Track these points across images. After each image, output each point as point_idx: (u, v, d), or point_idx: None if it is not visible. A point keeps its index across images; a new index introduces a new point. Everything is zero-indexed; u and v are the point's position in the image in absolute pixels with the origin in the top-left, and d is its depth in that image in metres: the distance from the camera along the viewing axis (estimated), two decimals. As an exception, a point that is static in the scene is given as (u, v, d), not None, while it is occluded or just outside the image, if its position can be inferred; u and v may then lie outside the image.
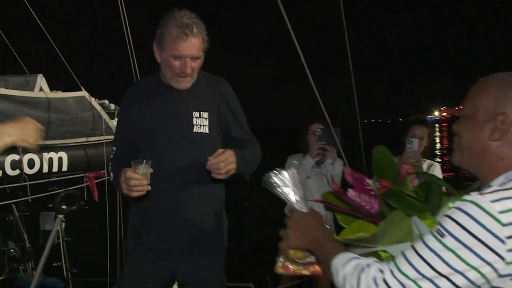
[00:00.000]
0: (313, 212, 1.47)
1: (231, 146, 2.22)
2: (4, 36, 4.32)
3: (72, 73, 3.97)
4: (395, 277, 1.12)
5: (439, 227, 1.10)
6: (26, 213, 4.68)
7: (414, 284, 1.09)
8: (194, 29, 2.17)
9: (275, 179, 1.49)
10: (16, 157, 3.34)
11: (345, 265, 1.23)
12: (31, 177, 3.53)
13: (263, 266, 3.08)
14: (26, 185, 3.65)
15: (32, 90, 3.79)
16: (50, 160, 3.55)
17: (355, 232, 1.46)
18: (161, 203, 2.27)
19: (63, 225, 3.98)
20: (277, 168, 1.52)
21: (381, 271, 1.14)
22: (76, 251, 4.68)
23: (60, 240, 4.27)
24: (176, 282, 2.53)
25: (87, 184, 3.91)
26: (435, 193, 1.43)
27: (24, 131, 1.87)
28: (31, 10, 4.01)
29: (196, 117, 2.31)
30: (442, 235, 1.09)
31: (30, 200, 3.87)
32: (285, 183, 1.49)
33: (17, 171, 3.42)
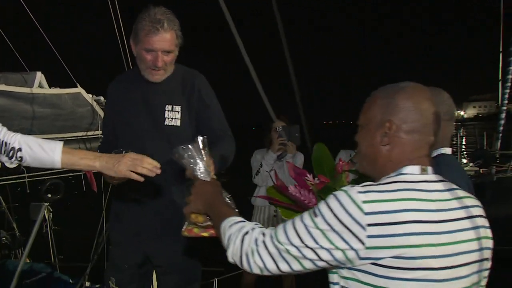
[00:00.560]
0: (213, 181, 1.61)
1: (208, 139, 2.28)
2: (4, 35, 4.33)
3: (68, 71, 3.99)
4: (272, 240, 1.21)
5: (316, 208, 1.19)
6: (17, 204, 4.73)
7: (284, 248, 1.18)
8: (165, 24, 2.21)
9: (183, 153, 1.61)
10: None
11: (232, 226, 1.32)
12: (29, 170, 3.56)
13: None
14: (25, 176, 3.69)
15: (31, 86, 3.83)
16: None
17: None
18: (138, 189, 2.31)
19: (51, 215, 4.01)
20: (184, 144, 1.64)
21: (263, 235, 1.24)
22: (63, 239, 4.74)
23: (48, 228, 4.35)
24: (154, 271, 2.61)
25: (84, 173, 3.92)
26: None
27: (123, 161, 1.78)
28: (28, 11, 4.03)
29: (168, 111, 2.34)
30: (316, 215, 1.17)
31: (28, 191, 3.90)
32: (192, 156, 1.61)
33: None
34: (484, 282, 1.30)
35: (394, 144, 1.26)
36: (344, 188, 1.18)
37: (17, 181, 3.70)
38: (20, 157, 1.70)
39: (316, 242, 1.15)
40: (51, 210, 4.40)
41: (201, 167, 1.62)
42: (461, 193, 1.28)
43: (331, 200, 1.17)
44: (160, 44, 2.22)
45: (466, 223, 1.23)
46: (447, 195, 1.23)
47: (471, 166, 8.30)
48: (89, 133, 3.95)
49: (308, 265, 1.19)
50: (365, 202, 1.13)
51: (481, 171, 7.96)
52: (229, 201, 1.57)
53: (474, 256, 1.22)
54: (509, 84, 8.73)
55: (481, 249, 1.24)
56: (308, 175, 1.66)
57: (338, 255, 1.15)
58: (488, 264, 1.29)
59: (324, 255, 1.16)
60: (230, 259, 1.31)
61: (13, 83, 3.66)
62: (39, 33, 4.28)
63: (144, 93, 2.37)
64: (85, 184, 3.95)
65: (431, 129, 1.27)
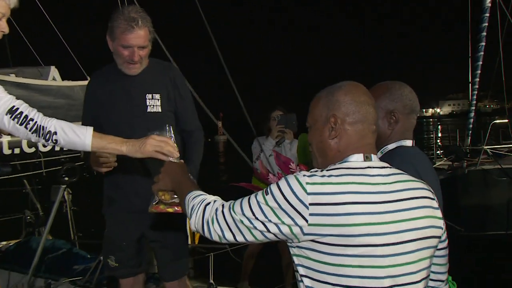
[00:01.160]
0: (180, 162, 1.71)
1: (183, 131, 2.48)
2: (21, 33, 4.46)
3: (79, 65, 4.11)
4: (229, 210, 1.28)
5: (268, 187, 1.26)
6: (40, 187, 4.95)
7: (239, 219, 1.25)
8: (140, 21, 2.28)
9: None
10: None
11: (195, 198, 1.39)
12: (45, 154, 3.71)
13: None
14: (41, 161, 3.84)
15: (46, 79, 3.96)
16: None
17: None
18: (126, 172, 2.41)
19: (70, 196, 4.15)
20: (157, 131, 1.81)
21: (223, 206, 1.31)
22: (82, 218, 4.95)
23: (68, 209, 4.53)
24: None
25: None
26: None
27: (147, 143, 1.82)
28: (43, 11, 4.15)
29: (149, 99, 2.44)
30: (267, 193, 1.24)
31: (44, 174, 4.05)
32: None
33: (33, 149, 3.62)
34: (434, 259, 1.33)
35: (341, 136, 1.31)
36: (296, 173, 1.25)
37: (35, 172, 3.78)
38: (56, 139, 1.78)
39: (266, 216, 1.22)
40: (71, 192, 4.54)
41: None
42: (405, 177, 1.31)
43: (281, 181, 1.24)
44: (136, 40, 2.30)
45: (410, 203, 1.26)
46: (390, 179, 1.27)
47: (445, 160, 8.80)
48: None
49: (259, 236, 1.25)
50: (308, 183, 1.19)
51: (454, 165, 8.37)
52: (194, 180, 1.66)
53: (420, 233, 1.25)
54: (477, 86, 9.54)
55: (427, 227, 1.27)
56: (291, 164, 1.71)
57: (285, 229, 1.21)
58: (436, 242, 1.31)
59: (272, 228, 1.22)
60: (193, 227, 1.36)
61: (29, 76, 3.81)
62: (53, 31, 4.43)
63: (124, 85, 2.43)
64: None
65: (371, 118, 1.32)
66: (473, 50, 9.61)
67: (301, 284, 1.27)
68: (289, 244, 1.27)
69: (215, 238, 1.30)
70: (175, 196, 1.59)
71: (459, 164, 8.17)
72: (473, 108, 9.75)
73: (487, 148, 8.21)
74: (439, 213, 1.32)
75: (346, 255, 1.17)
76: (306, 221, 1.18)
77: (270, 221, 1.21)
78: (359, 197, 1.19)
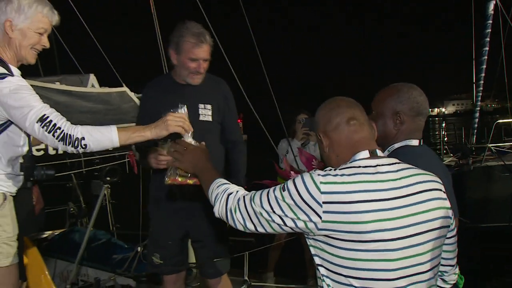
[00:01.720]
0: (203, 147, 1.72)
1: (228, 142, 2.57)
2: (64, 43, 4.66)
3: (116, 73, 4.28)
4: (250, 201, 1.31)
5: (286, 183, 1.29)
6: (82, 181, 5.18)
7: (258, 211, 1.29)
8: (207, 37, 2.41)
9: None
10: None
11: (219, 187, 1.43)
12: (85, 154, 3.90)
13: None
14: (81, 160, 4.04)
15: (85, 86, 4.13)
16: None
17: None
18: None
19: (109, 192, 4.33)
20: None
21: (244, 197, 1.34)
22: (119, 211, 5.17)
23: (107, 203, 4.76)
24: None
25: (128, 160, 4.24)
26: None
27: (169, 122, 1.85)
28: (84, 23, 4.33)
29: (201, 108, 2.50)
30: (284, 190, 1.27)
31: (84, 172, 4.24)
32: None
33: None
34: (444, 247, 1.35)
35: (332, 144, 1.38)
36: (311, 171, 1.29)
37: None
38: (85, 144, 1.77)
39: (283, 211, 1.25)
40: (109, 187, 4.73)
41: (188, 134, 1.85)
42: (415, 171, 1.32)
43: (298, 179, 1.27)
44: (203, 54, 2.40)
45: (421, 197, 1.27)
46: (400, 174, 1.28)
47: (452, 157, 8.98)
48: (133, 124, 4.21)
49: (277, 229, 1.28)
50: (322, 183, 1.22)
51: (460, 162, 8.52)
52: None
53: (431, 225, 1.27)
54: (481, 88, 9.74)
55: (437, 218, 1.28)
56: (314, 160, 1.78)
57: (300, 224, 1.24)
58: (446, 231, 1.33)
59: (289, 222, 1.26)
60: (217, 215, 1.40)
61: (71, 84, 3.98)
62: (92, 41, 4.61)
63: (180, 94, 2.46)
64: (128, 168, 4.23)
65: (356, 115, 1.36)
66: (476, 53, 9.70)
67: (317, 272, 1.31)
68: (306, 236, 1.31)
69: (239, 227, 1.34)
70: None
71: (465, 161, 8.26)
72: (478, 108, 9.92)
73: (491, 145, 8.29)
74: (448, 204, 1.34)
75: (358, 250, 1.20)
76: (320, 218, 1.21)
77: (286, 216, 1.25)
78: (370, 195, 1.21)
